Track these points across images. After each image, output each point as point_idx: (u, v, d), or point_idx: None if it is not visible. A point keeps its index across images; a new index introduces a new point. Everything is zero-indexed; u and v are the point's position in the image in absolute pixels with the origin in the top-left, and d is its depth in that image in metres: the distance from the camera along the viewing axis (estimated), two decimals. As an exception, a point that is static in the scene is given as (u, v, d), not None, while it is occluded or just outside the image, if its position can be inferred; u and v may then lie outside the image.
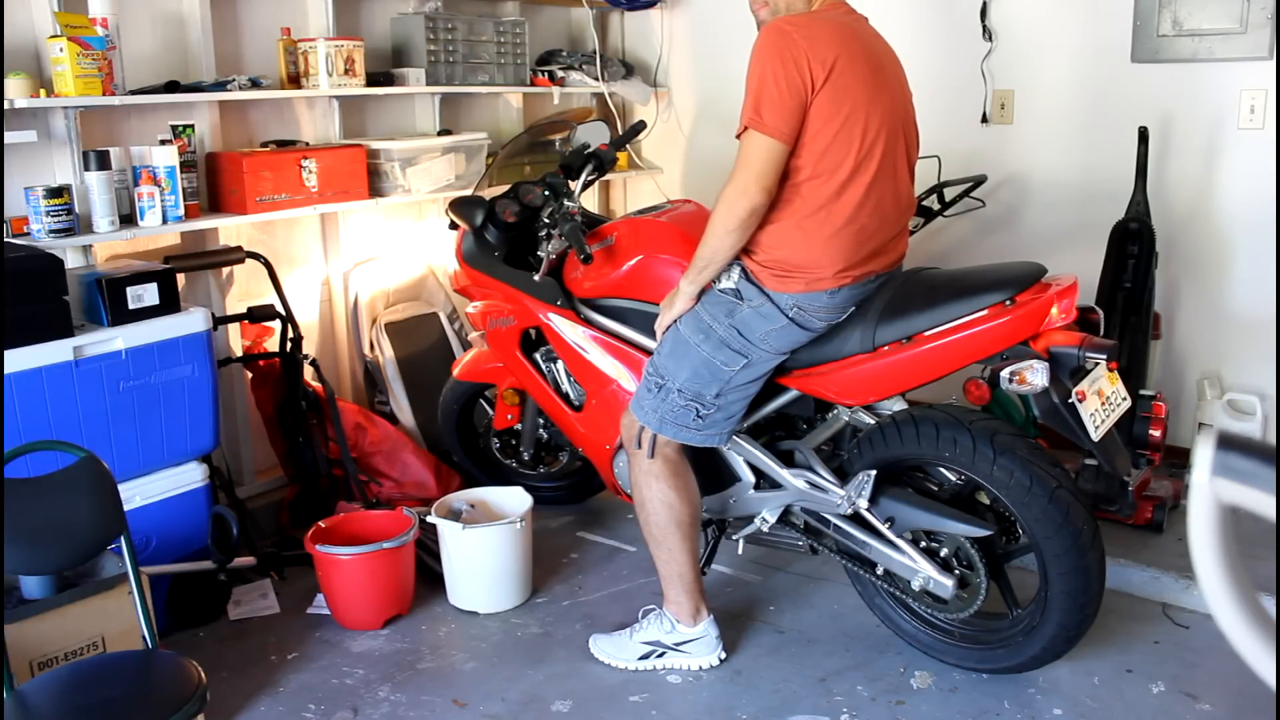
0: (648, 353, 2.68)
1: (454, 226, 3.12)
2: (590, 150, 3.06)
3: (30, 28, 2.87)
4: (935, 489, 2.57)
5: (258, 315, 3.30)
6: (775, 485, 2.65)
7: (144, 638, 2.14)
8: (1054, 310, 2.28)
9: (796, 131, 2.24)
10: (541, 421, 3.40)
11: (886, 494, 2.52)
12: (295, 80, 3.45)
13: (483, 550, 2.92)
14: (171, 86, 3.07)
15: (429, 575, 3.06)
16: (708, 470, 2.71)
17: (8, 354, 2.47)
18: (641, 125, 3.34)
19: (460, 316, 3.99)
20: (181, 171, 3.04)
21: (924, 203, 3.59)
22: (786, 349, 2.44)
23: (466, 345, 3.86)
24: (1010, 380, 2.29)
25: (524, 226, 2.97)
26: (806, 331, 2.41)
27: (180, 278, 3.10)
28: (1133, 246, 3.29)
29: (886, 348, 2.40)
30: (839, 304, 2.39)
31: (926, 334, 2.36)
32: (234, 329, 3.42)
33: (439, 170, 3.74)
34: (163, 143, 3.05)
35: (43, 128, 2.89)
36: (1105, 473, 3.18)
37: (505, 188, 3.04)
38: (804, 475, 2.60)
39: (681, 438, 2.52)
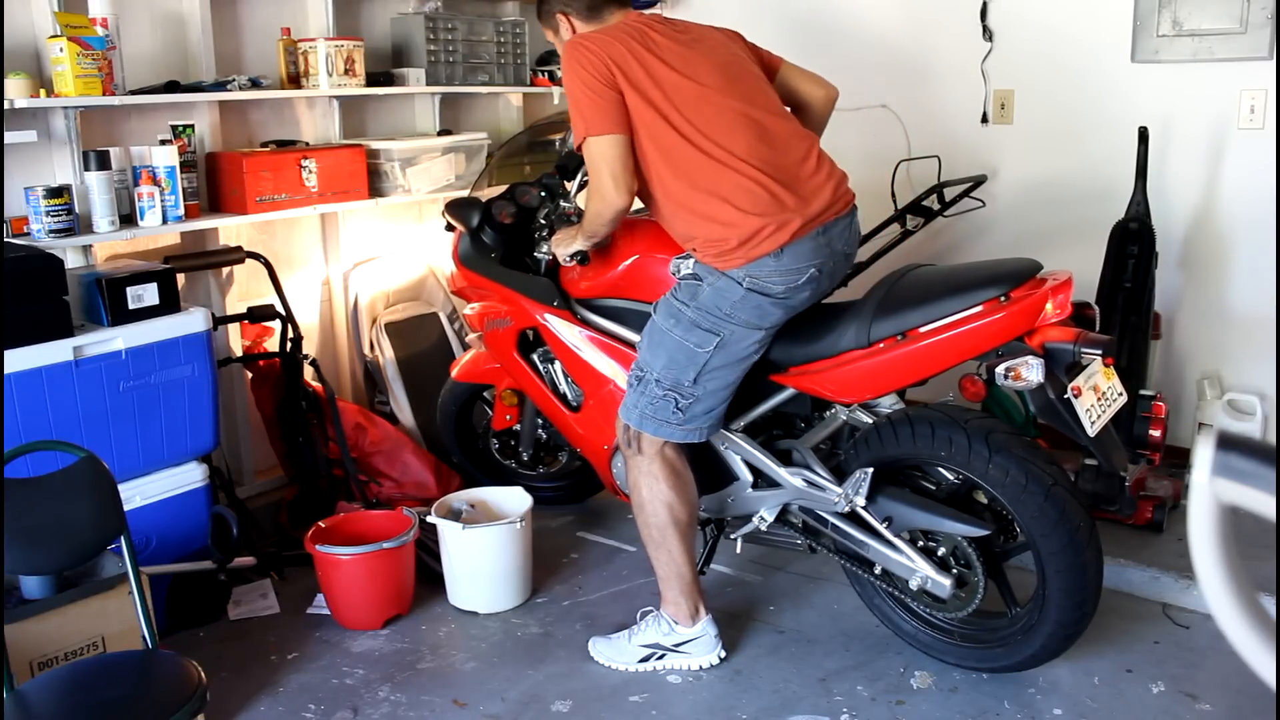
0: (645, 353, 2.69)
1: (450, 228, 3.13)
2: None
3: (30, 28, 2.87)
4: (933, 488, 2.57)
5: (258, 315, 3.30)
6: (773, 484, 2.65)
7: (144, 638, 2.14)
8: (1049, 306, 2.28)
9: (626, 119, 2.38)
10: (540, 422, 3.40)
11: (884, 493, 2.52)
12: (295, 80, 3.45)
13: (483, 550, 2.92)
14: (171, 86, 3.07)
15: (429, 575, 3.06)
16: (705, 469, 2.71)
17: (8, 354, 2.47)
18: None
19: (460, 317, 3.99)
20: (181, 171, 3.04)
21: (924, 203, 3.59)
22: (760, 323, 2.42)
23: (466, 345, 3.86)
24: (1005, 376, 2.29)
25: (520, 228, 2.97)
26: (771, 298, 2.39)
27: (180, 278, 3.10)
28: (1133, 246, 3.28)
29: (882, 344, 2.40)
30: (788, 265, 2.37)
31: (922, 330, 2.36)
32: (234, 329, 3.42)
33: (439, 170, 3.74)
34: (163, 143, 3.05)
35: (43, 128, 2.89)
36: (1105, 472, 3.18)
37: (502, 188, 3.05)
38: (801, 474, 2.60)
39: (662, 433, 2.51)
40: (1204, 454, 0.97)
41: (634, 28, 2.48)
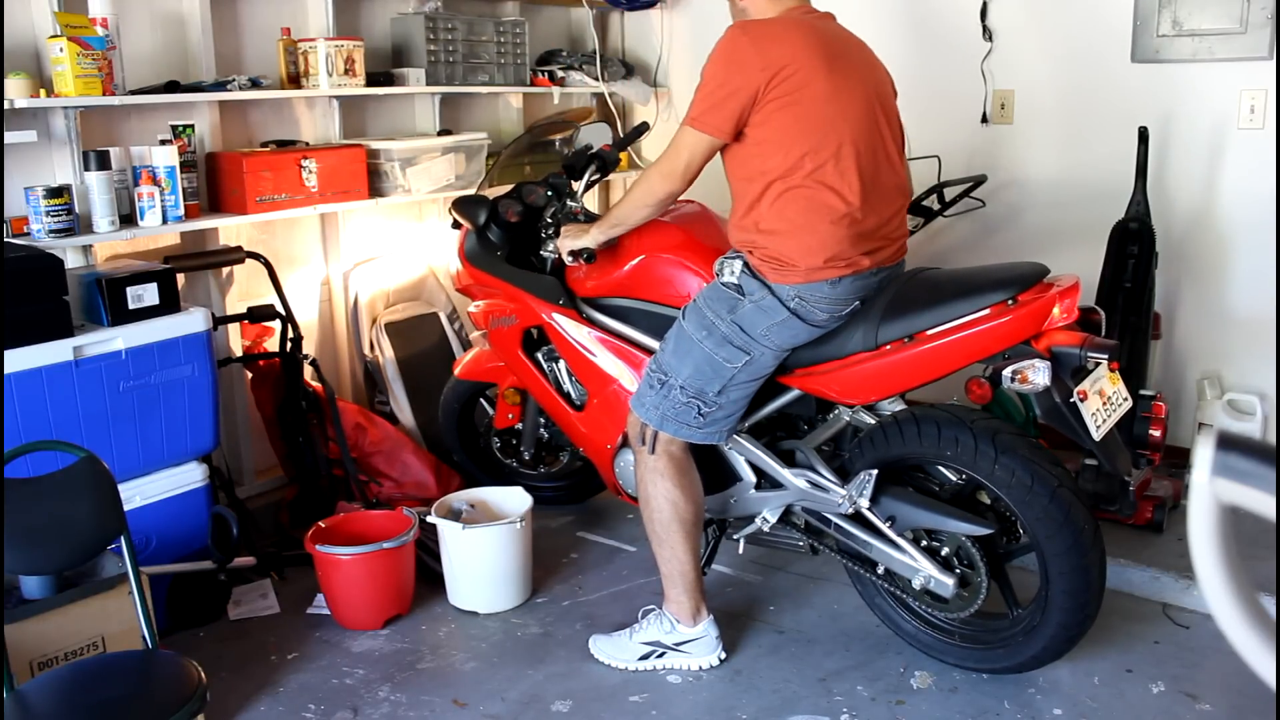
0: (650, 352, 2.69)
1: (457, 226, 3.13)
2: (593, 151, 3.06)
3: (30, 28, 2.87)
4: (936, 488, 2.57)
5: (258, 315, 3.30)
6: (776, 485, 2.65)
7: (144, 638, 2.14)
8: (1056, 310, 2.29)
9: (735, 127, 2.34)
10: (542, 421, 3.40)
11: (887, 493, 2.52)
12: (295, 80, 3.45)
13: (483, 550, 2.92)
14: (171, 86, 3.07)
15: (429, 575, 3.06)
16: (709, 469, 2.71)
17: (8, 354, 2.47)
18: (645, 127, 3.34)
19: (460, 316, 3.99)
20: (181, 171, 3.04)
21: (924, 203, 3.59)
22: (789, 345, 2.45)
23: (467, 345, 3.86)
24: (1012, 379, 2.29)
25: (527, 226, 2.97)
26: (808, 325, 2.41)
27: (180, 278, 3.10)
28: (1133, 246, 3.28)
29: (889, 346, 2.40)
30: (840, 295, 2.39)
31: (929, 333, 2.36)
32: (234, 329, 3.42)
33: (439, 170, 3.74)
34: (163, 143, 3.04)
35: (43, 128, 2.89)
36: (1106, 473, 3.18)
37: (507, 188, 3.05)
38: (805, 475, 2.60)
39: (683, 435, 2.52)
40: (1204, 454, 0.97)
41: (810, 26, 2.38)
